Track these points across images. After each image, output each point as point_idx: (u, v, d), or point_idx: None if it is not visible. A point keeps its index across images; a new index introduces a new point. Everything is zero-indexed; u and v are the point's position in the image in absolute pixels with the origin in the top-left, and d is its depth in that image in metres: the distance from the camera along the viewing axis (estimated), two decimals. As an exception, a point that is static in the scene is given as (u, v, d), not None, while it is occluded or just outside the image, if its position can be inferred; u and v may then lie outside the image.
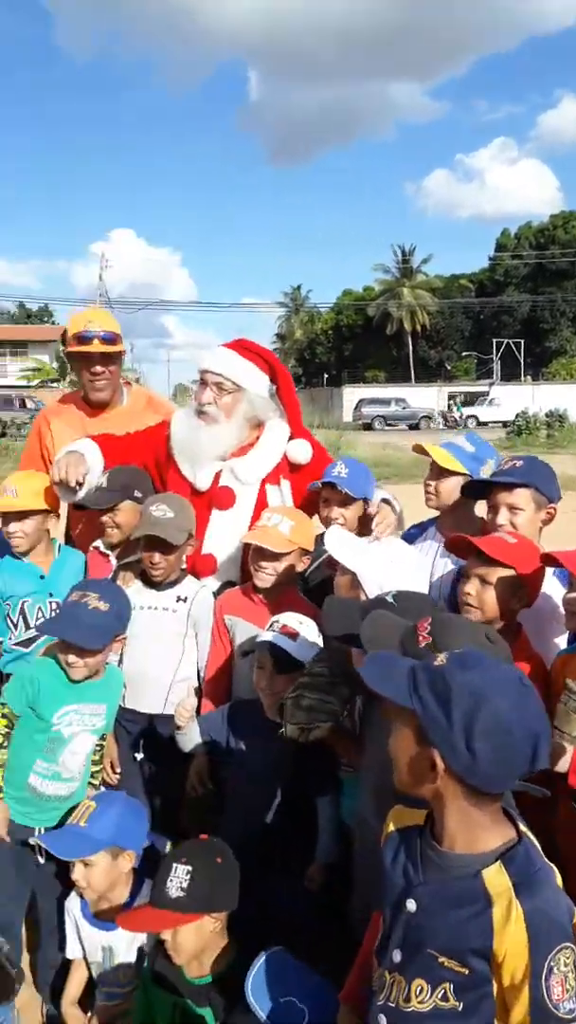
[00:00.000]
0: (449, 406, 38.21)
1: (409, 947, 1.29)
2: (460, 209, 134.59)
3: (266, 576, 2.49)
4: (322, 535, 2.55)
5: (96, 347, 3.04)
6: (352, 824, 2.13)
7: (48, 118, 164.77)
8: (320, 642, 2.23)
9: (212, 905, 1.80)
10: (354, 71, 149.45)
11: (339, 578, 2.09)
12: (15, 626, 2.77)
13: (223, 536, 2.73)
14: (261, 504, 2.73)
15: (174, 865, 1.80)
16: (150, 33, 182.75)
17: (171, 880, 1.78)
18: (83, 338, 3.05)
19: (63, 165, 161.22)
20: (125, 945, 2.17)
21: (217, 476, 2.74)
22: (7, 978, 1.83)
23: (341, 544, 2.07)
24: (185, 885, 1.77)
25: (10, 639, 2.77)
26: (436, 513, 2.77)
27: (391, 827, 1.45)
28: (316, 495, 2.71)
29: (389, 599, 1.74)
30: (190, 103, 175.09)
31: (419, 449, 2.84)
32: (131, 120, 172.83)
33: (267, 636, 2.24)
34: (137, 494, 2.72)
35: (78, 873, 2.07)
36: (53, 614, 2.71)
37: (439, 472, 2.66)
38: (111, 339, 3.08)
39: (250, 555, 2.53)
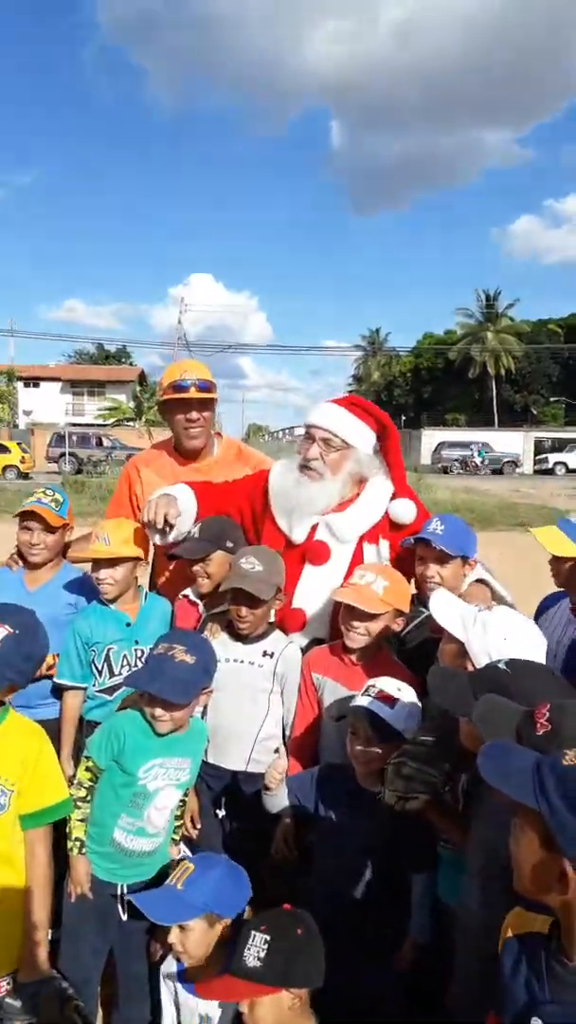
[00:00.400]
0: (472, 451, 36.12)
1: None
2: (548, 255, 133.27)
3: (358, 636, 2.42)
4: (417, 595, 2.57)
5: (193, 394, 3.07)
6: (452, 905, 2.00)
7: (135, 165, 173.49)
8: (416, 706, 2.16)
9: (289, 979, 1.72)
10: (438, 118, 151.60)
11: (445, 646, 2.02)
12: (99, 673, 2.77)
13: (315, 592, 2.68)
14: (357, 562, 2.66)
15: (253, 933, 1.75)
16: (235, 82, 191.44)
17: (249, 948, 1.73)
18: (179, 386, 3.08)
19: (147, 211, 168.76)
20: (223, 1014, 2.05)
21: (313, 530, 2.70)
22: None
23: (448, 609, 2.01)
24: (262, 955, 1.71)
25: (94, 686, 2.78)
26: None
27: (510, 933, 1.35)
28: (410, 553, 2.62)
29: (502, 666, 1.68)
30: (272, 151, 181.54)
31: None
32: (213, 168, 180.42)
33: (363, 702, 2.16)
34: (229, 544, 2.70)
35: (174, 937, 1.99)
36: (138, 662, 2.72)
37: (555, 557, 2.60)
38: (206, 387, 3.12)
39: (341, 614, 2.46)
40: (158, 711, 2.24)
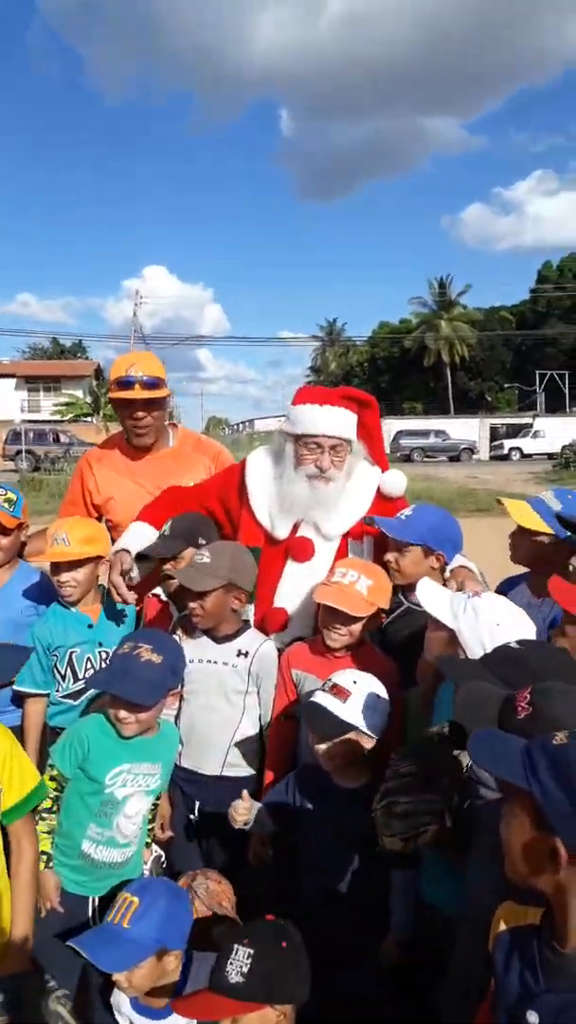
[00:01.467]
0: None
1: None
2: (498, 242, 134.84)
3: (339, 638, 2.36)
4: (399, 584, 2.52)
5: (138, 393, 2.96)
6: (435, 903, 1.98)
7: (81, 157, 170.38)
8: (379, 698, 2.11)
9: (274, 995, 1.64)
10: (388, 106, 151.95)
11: (432, 634, 2.00)
12: (63, 678, 2.69)
13: (297, 590, 2.61)
14: (341, 559, 2.58)
15: (235, 947, 1.65)
16: (181, 72, 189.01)
17: (231, 963, 1.63)
18: (125, 383, 2.97)
19: (96, 203, 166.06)
20: None
21: (296, 526, 2.63)
22: None
23: (436, 596, 1.99)
24: (245, 970, 1.62)
25: (58, 691, 2.70)
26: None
27: (501, 926, 1.33)
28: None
29: (513, 644, 1.65)
30: (222, 141, 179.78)
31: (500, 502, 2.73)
32: (162, 158, 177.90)
33: (317, 697, 2.12)
34: (201, 541, 2.61)
35: (119, 977, 1.85)
36: (103, 664, 2.63)
37: (521, 530, 2.59)
38: (154, 383, 2.99)
39: (321, 614, 2.39)
40: (122, 713, 2.15)
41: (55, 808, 2.26)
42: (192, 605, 2.45)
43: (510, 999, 1.23)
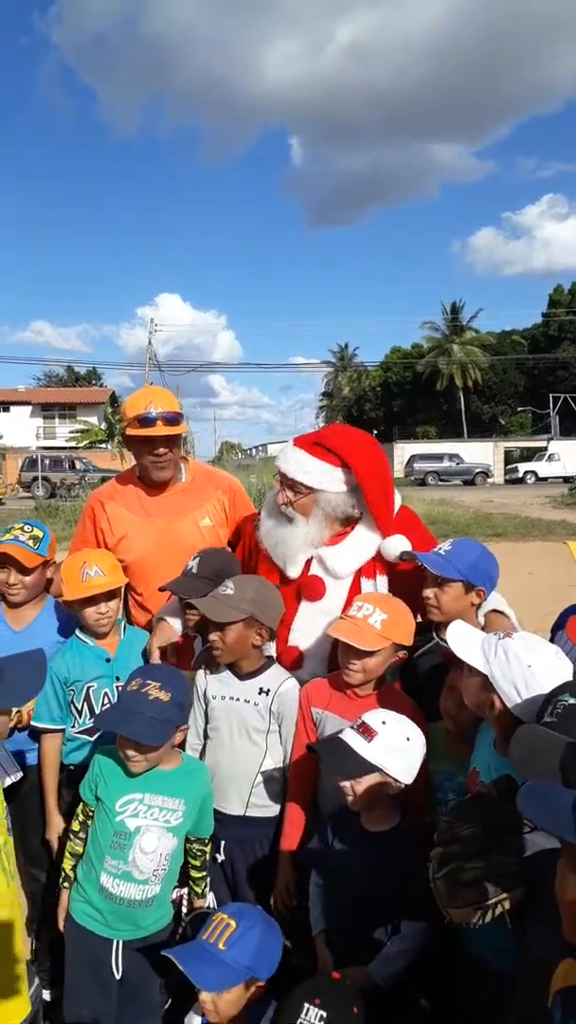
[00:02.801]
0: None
1: None
2: (509, 266, 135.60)
3: (354, 674, 2.32)
4: (424, 624, 2.50)
5: (160, 429, 2.94)
6: (483, 958, 1.86)
7: (94, 187, 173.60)
8: (409, 741, 2.05)
9: None
10: (397, 134, 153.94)
11: (468, 680, 1.93)
12: (79, 713, 2.67)
13: (310, 629, 2.59)
14: (354, 598, 2.53)
15: (306, 1006, 1.63)
16: (193, 103, 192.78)
17: (301, 1022, 1.60)
18: (145, 420, 2.94)
19: (110, 234, 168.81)
20: None
21: (308, 565, 2.63)
22: None
23: (466, 640, 1.93)
24: None
25: (73, 727, 2.68)
26: None
27: (560, 984, 1.28)
28: (416, 584, 2.49)
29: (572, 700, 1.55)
30: (233, 170, 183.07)
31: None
32: (175, 188, 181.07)
33: (343, 735, 2.07)
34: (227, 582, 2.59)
35: (207, 997, 1.83)
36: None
37: None
38: (174, 420, 2.98)
39: (339, 649, 2.36)
40: (130, 752, 2.15)
41: (83, 834, 2.28)
42: (212, 637, 2.42)
43: None
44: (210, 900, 2.46)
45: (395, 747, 2.02)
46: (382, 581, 2.61)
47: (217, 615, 2.38)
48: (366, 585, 2.60)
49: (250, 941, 1.82)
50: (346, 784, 2.05)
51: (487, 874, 1.59)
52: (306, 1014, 1.60)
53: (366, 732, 2.04)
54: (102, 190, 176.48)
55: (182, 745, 2.50)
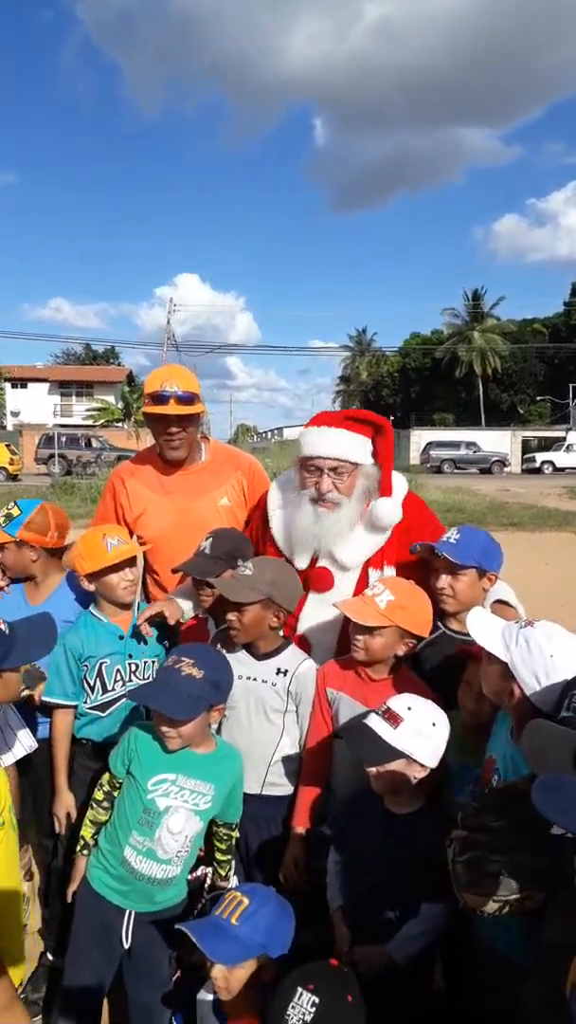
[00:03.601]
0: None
1: None
2: (532, 254, 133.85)
3: (358, 650, 2.33)
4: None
5: (172, 408, 2.93)
6: (493, 946, 1.87)
7: (118, 167, 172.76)
8: (435, 727, 2.04)
9: None
10: (422, 116, 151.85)
11: (487, 667, 1.93)
12: (92, 689, 2.68)
13: (318, 620, 2.60)
14: (361, 591, 2.51)
15: (300, 990, 1.59)
16: (216, 83, 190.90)
17: (293, 1007, 1.57)
18: (159, 398, 2.94)
19: (130, 212, 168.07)
20: None
21: (315, 557, 2.61)
22: None
23: (486, 627, 1.91)
24: (308, 1019, 1.55)
25: (86, 702, 2.68)
26: None
27: (574, 977, 1.27)
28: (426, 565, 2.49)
29: None
30: (256, 151, 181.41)
31: None
32: (197, 168, 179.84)
33: (369, 719, 2.07)
34: (241, 562, 2.58)
35: (218, 973, 1.84)
36: (133, 676, 2.68)
37: None
38: (189, 399, 2.96)
39: (349, 624, 2.36)
40: (164, 727, 2.17)
41: (107, 803, 2.32)
42: (230, 617, 2.43)
43: None
44: (233, 884, 2.47)
45: (421, 732, 2.02)
46: (389, 572, 2.61)
47: (235, 595, 2.38)
48: (374, 576, 2.59)
49: (263, 918, 1.83)
50: (372, 769, 2.05)
51: (511, 870, 1.56)
52: (299, 998, 1.57)
53: (392, 718, 2.03)
54: (123, 168, 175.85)
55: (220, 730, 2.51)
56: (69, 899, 2.33)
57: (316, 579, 2.61)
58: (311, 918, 2.19)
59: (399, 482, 2.71)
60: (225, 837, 2.42)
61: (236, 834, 2.45)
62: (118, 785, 2.31)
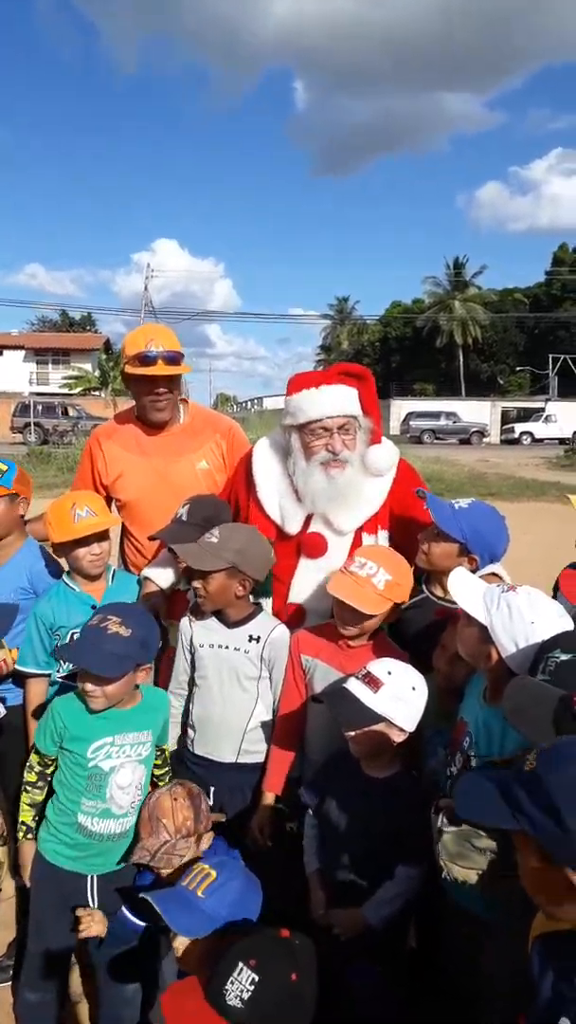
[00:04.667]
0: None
1: None
2: (514, 223, 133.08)
3: (350, 631, 2.31)
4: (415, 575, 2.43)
5: (161, 369, 2.86)
6: (461, 904, 1.86)
7: (94, 129, 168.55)
8: (414, 690, 2.04)
9: None
10: (405, 80, 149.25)
11: (465, 630, 1.91)
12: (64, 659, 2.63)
13: (311, 586, 2.55)
14: (355, 553, 2.48)
15: (240, 964, 1.50)
16: (195, 43, 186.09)
17: (232, 983, 1.48)
18: (146, 358, 2.86)
19: (107, 175, 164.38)
20: None
21: (308, 521, 2.55)
22: None
23: (468, 589, 1.90)
24: (246, 996, 1.47)
25: (58, 672, 2.64)
26: None
27: (538, 931, 1.28)
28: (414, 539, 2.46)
29: (564, 657, 1.53)
30: (236, 114, 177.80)
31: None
32: (174, 130, 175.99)
33: (348, 683, 2.06)
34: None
35: (180, 944, 1.80)
36: None
37: None
38: (174, 359, 2.90)
39: (335, 603, 2.31)
40: (88, 686, 2.15)
41: (40, 783, 2.29)
42: (195, 585, 2.40)
43: (544, 1004, 1.19)
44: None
45: (401, 696, 2.02)
46: (383, 536, 2.57)
47: (198, 563, 2.34)
48: (367, 541, 2.56)
49: (229, 892, 1.81)
50: (351, 733, 2.05)
51: (500, 851, 1.54)
52: (238, 974, 1.47)
53: (372, 683, 2.02)
54: (98, 130, 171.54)
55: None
56: (27, 878, 2.32)
57: (309, 545, 2.56)
58: (284, 883, 2.20)
59: (392, 448, 2.68)
60: (158, 752, 2.43)
61: (167, 747, 2.48)
62: (49, 763, 2.29)
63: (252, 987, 1.46)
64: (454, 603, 1.98)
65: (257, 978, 1.46)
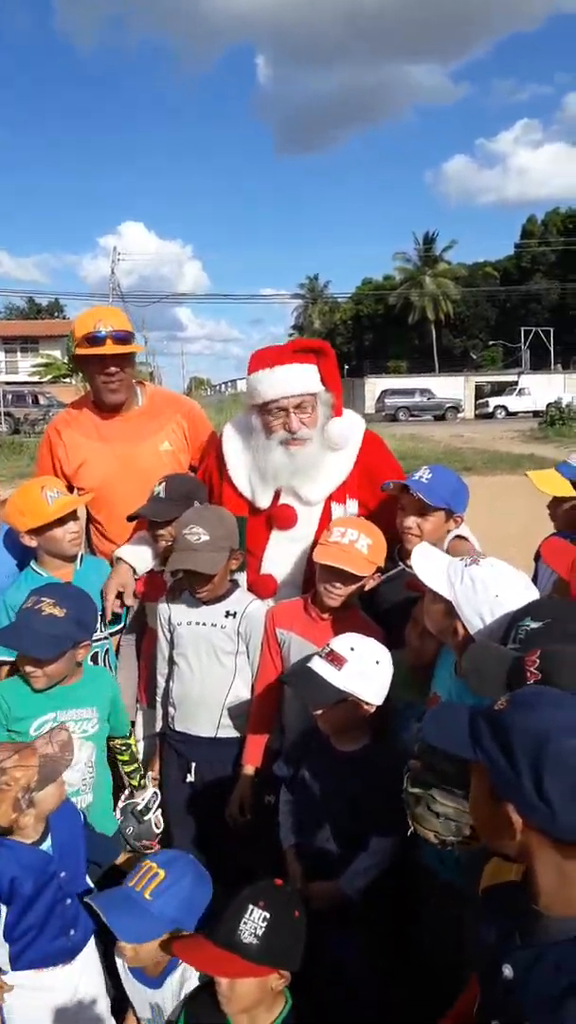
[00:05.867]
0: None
1: (509, 1018, 1.17)
2: (482, 196, 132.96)
3: (338, 596, 2.32)
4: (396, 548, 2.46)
5: (109, 348, 2.86)
6: (430, 866, 1.93)
7: (51, 109, 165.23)
8: (379, 664, 2.04)
9: (285, 962, 1.64)
10: (369, 51, 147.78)
11: (431, 606, 1.90)
12: None
13: (283, 558, 2.60)
14: (325, 524, 2.55)
15: (250, 907, 1.63)
16: (153, 18, 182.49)
17: (245, 923, 1.61)
18: (95, 339, 2.86)
19: (68, 157, 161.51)
20: (171, 1002, 1.93)
21: (277, 494, 2.60)
22: None
23: (432, 565, 1.88)
24: (260, 932, 1.60)
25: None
26: None
27: (486, 883, 1.32)
28: (386, 507, 2.51)
29: (533, 625, 1.55)
30: (197, 92, 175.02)
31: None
32: (136, 111, 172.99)
33: (313, 662, 2.06)
34: (197, 505, 2.58)
35: (127, 949, 1.81)
36: None
37: (555, 499, 2.63)
38: (124, 338, 2.90)
39: (319, 573, 2.34)
40: (28, 668, 2.19)
41: None
42: (200, 589, 2.43)
43: (486, 953, 1.23)
44: (149, 791, 2.54)
45: (365, 672, 2.02)
46: (352, 505, 2.60)
47: (211, 567, 2.36)
48: (336, 511, 2.59)
49: (177, 892, 1.80)
50: (318, 712, 2.05)
51: (453, 816, 1.59)
52: (250, 914, 1.61)
53: (335, 660, 2.02)
54: (55, 108, 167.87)
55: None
56: None
57: (279, 517, 2.59)
58: (263, 854, 2.25)
59: (355, 417, 2.72)
60: (123, 748, 2.49)
61: (133, 741, 2.53)
62: None
63: (264, 923, 1.60)
64: None
65: (268, 915, 1.61)
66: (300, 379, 2.53)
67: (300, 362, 2.55)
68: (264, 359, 2.58)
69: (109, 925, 1.77)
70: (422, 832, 1.63)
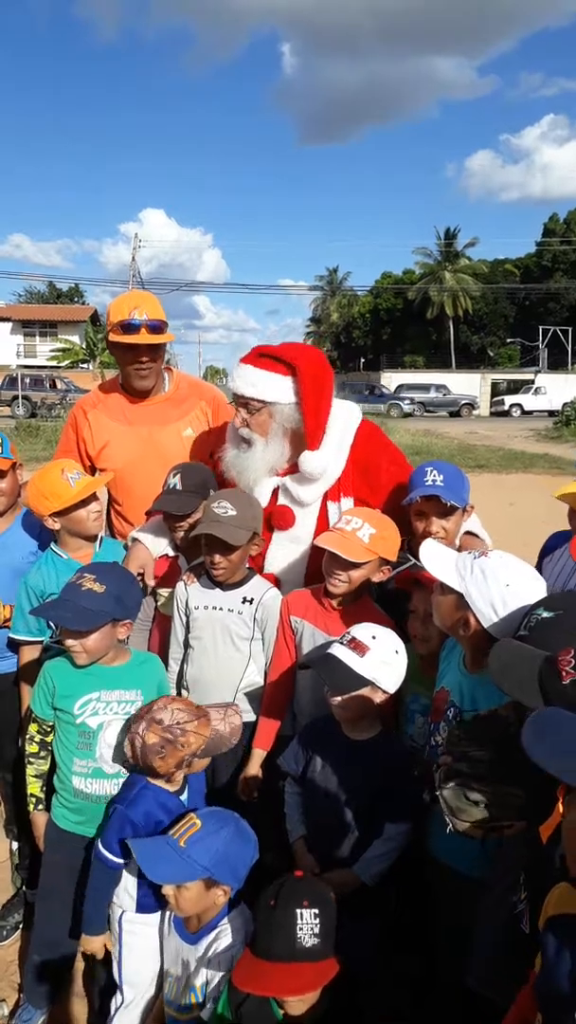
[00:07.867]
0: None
1: None
2: (505, 192, 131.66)
3: (339, 583, 2.35)
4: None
5: (144, 337, 2.85)
6: (438, 857, 1.96)
7: (74, 96, 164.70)
8: (397, 654, 2.10)
9: (338, 947, 1.68)
10: (395, 44, 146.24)
11: (440, 598, 1.91)
12: (56, 626, 2.63)
13: (284, 557, 2.63)
14: (323, 523, 2.58)
15: (298, 912, 1.64)
16: (180, 5, 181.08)
17: (300, 929, 1.62)
18: (129, 326, 2.86)
19: (89, 144, 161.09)
20: (199, 961, 1.97)
21: (275, 494, 2.61)
22: None
23: (440, 559, 1.91)
24: (318, 930, 1.64)
25: (51, 638, 2.67)
26: None
27: (553, 911, 1.24)
28: (391, 493, 2.55)
29: (545, 614, 1.54)
30: (221, 81, 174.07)
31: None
32: (159, 97, 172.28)
33: (334, 649, 2.10)
34: (212, 493, 2.60)
35: (169, 891, 1.89)
36: None
37: (572, 511, 2.49)
38: (158, 327, 2.90)
39: (324, 560, 2.37)
40: (68, 641, 2.22)
41: (42, 753, 2.33)
42: (218, 559, 2.42)
43: (561, 992, 1.14)
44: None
45: (387, 660, 2.07)
46: (347, 502, 2.61)
47: (234, 538, 2.37)
48: (332, 509, 2.61)
49: (212, 843, 1.85)
50: (337, 698, 2.09)
51: (492, 800, 1.55)
52: (302, 919, 1.62)
53: (357, 647, 2.06)
54: (80, 97, 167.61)
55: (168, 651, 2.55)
56: (42, 848, 2.38)
57: (278, 517, 2.62)
58: (276, 839, 2.26)
59: (351, 411, 2.69)
60: None
61: None
62: (48, 730, 2.33)
63: (317, 920, 1.64)
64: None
65: (317, 911, 1.65)
66: (250, 382, 2.51)
67: (263, 367, 2.51)
68: (246, 355, 2.61)
69: (139, 864, 1.84)
70: (461, 827, 1.57)
